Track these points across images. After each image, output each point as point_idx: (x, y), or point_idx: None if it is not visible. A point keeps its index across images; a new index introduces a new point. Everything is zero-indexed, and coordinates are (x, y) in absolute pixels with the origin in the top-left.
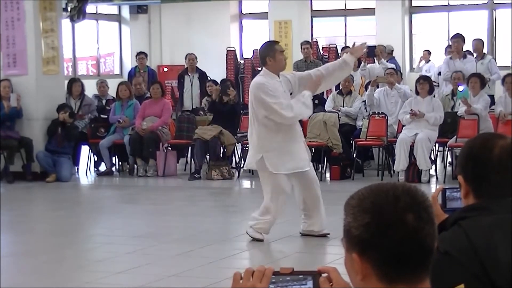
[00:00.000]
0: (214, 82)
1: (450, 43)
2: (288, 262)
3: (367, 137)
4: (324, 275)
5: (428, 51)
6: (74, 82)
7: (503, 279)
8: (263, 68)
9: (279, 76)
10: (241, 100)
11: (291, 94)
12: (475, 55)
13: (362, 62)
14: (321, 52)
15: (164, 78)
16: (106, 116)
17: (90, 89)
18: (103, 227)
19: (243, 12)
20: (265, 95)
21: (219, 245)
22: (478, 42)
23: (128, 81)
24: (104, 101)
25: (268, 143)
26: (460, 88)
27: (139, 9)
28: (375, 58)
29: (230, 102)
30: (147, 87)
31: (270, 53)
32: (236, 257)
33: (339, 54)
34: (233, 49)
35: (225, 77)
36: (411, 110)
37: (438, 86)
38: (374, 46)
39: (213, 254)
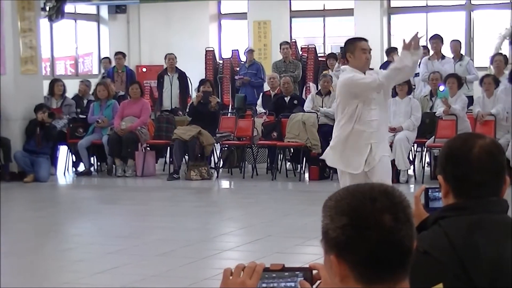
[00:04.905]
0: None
1: (427, 44)
2: (268, 262)
3: None
4: (314, 271)
5: (386, 53)
6: (56, 82)
7: (483, 278)
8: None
9: (364, 73)
10: (220, 100)
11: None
12: (452, 55)
13: (337, 63)
14: (300, 52)
15: (143, 78)
16: (84, 116)
17: (68, 89)
18: (82, 227)
19: (222, 12)
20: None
21: (199, 245)
22: (456, 43)
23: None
24: (85, 101)
25: None
26: (441, 88)
27: (117, 9)
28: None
29: (211, 109)
30: (126, 87)
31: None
32: (216, 257)
33: (318, 55)
34: (212, 49)
35: (204, 78)
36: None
37: (414, 87)
38: None
39: (193, 254)
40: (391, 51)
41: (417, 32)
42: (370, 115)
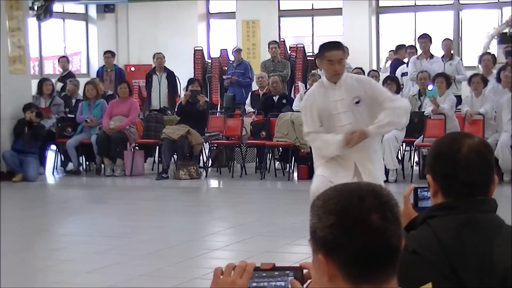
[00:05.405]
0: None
1: (415, 44)
2: (257, 262)
3: None
4: (305, 271)
5: (394, 51)
6: (45, 82)
7: (471, 278)
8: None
9: (335, 83)
10: (208, 100)
11: (358, 102)
12: (442, 53)
13: None
14: (289, 52)
15: (131, 78)
16: (73, 116)
17: (57, 88)
18: (71, 227)
19: (211, 11)
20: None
21: (188, 245)
22: (448, 42)
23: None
24: (74, 101)
25: None
26: (430, 87)
27: (106, 8)
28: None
29: (200, 108)
30: (115, 87)
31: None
32: (205, 256)
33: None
34: (200, 48)
35: (192, 77)
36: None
37: (403, 86)
38: None
39: (181, 253)
40: (399, 48)
41: (357, 134)
42: (343, 129)
